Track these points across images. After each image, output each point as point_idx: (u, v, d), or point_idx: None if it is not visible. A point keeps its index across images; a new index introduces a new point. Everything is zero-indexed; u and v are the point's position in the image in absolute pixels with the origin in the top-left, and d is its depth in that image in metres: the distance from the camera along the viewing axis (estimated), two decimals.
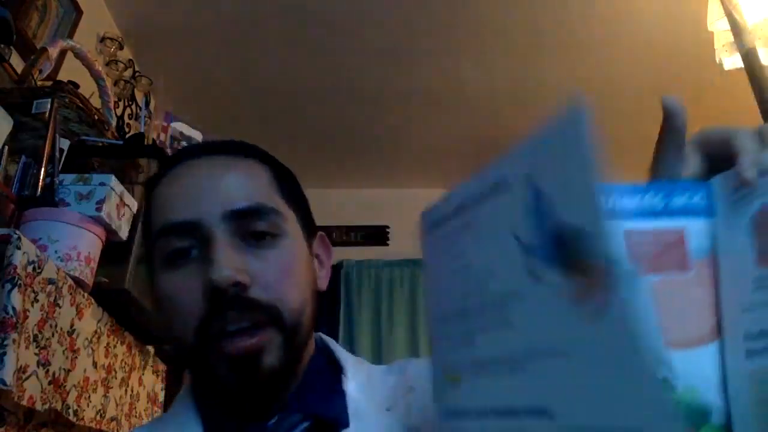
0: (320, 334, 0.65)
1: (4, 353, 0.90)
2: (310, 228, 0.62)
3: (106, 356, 1.29)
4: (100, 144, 1.58)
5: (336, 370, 0.60)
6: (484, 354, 0.32)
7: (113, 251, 1.39)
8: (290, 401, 0.55)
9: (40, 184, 1.30)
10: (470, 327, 0.33)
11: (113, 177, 1.38)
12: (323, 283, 0.63)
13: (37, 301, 1.03)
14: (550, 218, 0.28)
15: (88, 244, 1.27)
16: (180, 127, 2.49)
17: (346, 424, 0.54)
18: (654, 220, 0.35)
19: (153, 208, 0.59)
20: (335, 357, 0.62)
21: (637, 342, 0.24)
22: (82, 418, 1.16)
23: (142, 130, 1.91)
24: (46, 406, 1.01)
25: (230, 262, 0.51)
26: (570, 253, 0.27)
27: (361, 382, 0.59)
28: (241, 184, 0.56)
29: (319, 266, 0.64)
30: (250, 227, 0.54)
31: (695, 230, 0.35)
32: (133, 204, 1.47)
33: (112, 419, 1.29)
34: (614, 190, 0.35)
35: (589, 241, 0.26)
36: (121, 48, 2.27)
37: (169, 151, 2.27)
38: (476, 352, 0.33)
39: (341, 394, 0.57)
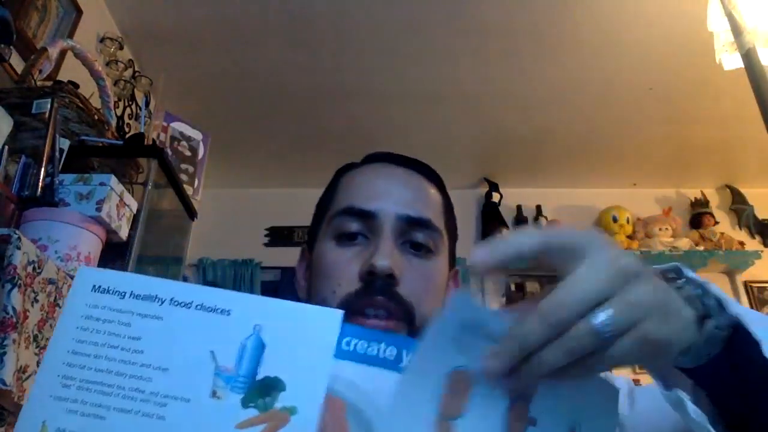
0: None
1: (4, 353, 0.90)
2: (452, 262, 0.70)
3: None
4: (100, 144, 1.58)
5: None
6: None
7: (113, 251, 1.39)
8: None
9: (40, 184, 1.30)
10: (109, 403, 0.35)
11: (113, 177, 1.38)
12: None
13: (37, 301, 1.03)
14: (257, 362, 0.35)
15: (88, 244, 1.27)
16: (180, 127, 2.50)
17: None
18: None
19: (340, 189, 0.68)
20: None
21: None
22: None
23: (142, 130, 1.91)
24: None
25: (391, 255, 0.59)
26: (262, 394, 0.35)
27: None
28: (419, 198, 0.65)
29: (447, 296, 0.69)
30: (414, 236, 0.62)
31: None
32: (133, 204, 1.47)
33: None
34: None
35: (283, 391, 0.34)
36: (121, 48, 2.27)
37: (169, 151, 2.28)
38: (104, 428, 0.35)
39: None
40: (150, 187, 1.68)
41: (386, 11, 2.26)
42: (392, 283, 0.58)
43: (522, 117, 2.78)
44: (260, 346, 0.36)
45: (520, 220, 3.17)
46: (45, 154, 1.32)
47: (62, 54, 1.73)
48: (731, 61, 1.69)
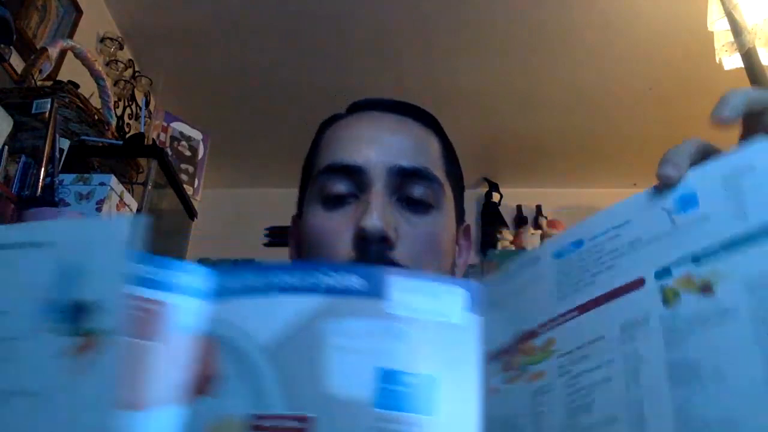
0: None
1: None
2: (460, 216, 0.62)
3: None
4: (100, 144, 1.58)
5: None
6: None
7: None
8: None
9: (40, 184, 1.30)
10: None
11: (113, 177, 1.38)
12: (458, 274, 0.62)
13: None
14: (71, 288, 0.34)
15: None
16: (180, 127, 2.50)
17: None
18: (150, 289, 0.38)
19: (321, 146, 0.60)
20: None
21: (104, 396, 0.31)
22: None
23: (142, 130, 1.92)
24: None
25: (383, 215, 0.51)
26: (81, 319, 0.33)
27: None
28: (413, 146, 0.57)
29: (458, 255, 0.62)
30: (409, 190, 0.54)
31: (184, 308, 0.37)
32: (133, 204, 1.47)
33: None
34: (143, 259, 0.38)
35: (98, 314, 0.33)
36: (121, 48, 2.27)
37: (169, 151, 2.28)
38: None
39: None
40: (150, 187, 1.68)
41: (386, 11, 2.26)
42: (386, 248, 0.51)
43: (522, 117, 2.78)
44: (71, 270, 0.35)
45: (520, 220, 3.17)
46: (45, 154, 1.32)
47: (62, 54, 1.73)
48: (731, 61, 1.69)
